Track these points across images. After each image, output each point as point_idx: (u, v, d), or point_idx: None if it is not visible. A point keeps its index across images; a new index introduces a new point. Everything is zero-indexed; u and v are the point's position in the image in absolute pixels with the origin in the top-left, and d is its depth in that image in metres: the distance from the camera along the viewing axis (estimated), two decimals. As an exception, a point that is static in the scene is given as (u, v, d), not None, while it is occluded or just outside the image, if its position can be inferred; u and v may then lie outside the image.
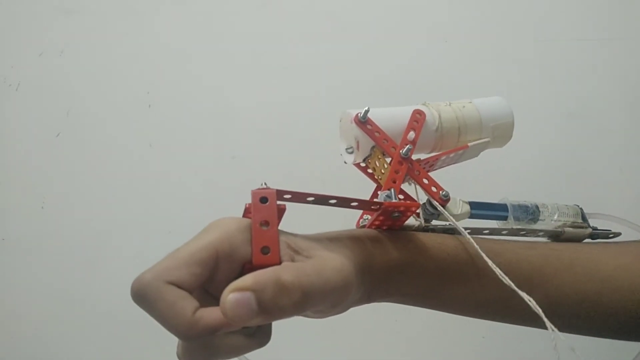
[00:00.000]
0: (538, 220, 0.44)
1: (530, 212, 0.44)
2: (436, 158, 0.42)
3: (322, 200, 0.34)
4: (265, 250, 0.30)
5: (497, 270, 0.34)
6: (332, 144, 0.85)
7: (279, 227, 0.33)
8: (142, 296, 0.27)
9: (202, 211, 0.76)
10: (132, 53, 0.92)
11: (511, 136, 0.45)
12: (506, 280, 0.34)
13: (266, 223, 0.31)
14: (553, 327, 0.31)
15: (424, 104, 0.43)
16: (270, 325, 0.31)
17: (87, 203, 0.86)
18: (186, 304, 0.27)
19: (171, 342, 0.29)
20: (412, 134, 0.40)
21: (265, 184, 0.34)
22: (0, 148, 0.88)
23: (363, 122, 0.40)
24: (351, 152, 0.43)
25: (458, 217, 0.40)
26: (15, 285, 0.83)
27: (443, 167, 0.44)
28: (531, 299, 0.32)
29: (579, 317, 0.40)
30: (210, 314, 0.27)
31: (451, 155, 0.43)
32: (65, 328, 0.82)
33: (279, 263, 0.30)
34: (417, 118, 0.41)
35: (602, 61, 0.91)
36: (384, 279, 0.35)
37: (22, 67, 0.92)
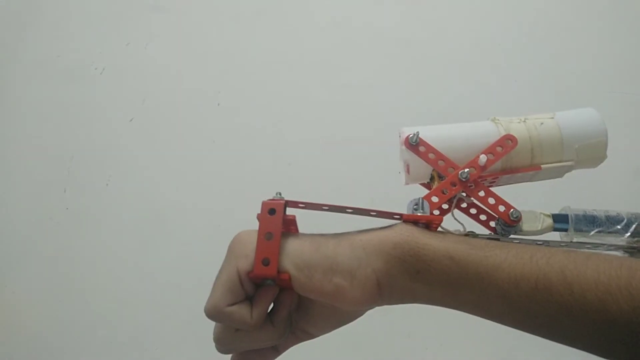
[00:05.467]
0: (622, 233, 0.37)
1: (599, 224, 0.37)
2: (496, 176, 0.38)
3: (338, 209, 0.35)
4: (265, 261, 0.32)
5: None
6: (387, 162, 0.86)
7: (300, 232, 0.35)
8: (216, 318, 0.34)
9: (252, 212, 0.77)
10: (210, 53, 0.97)
11: (604, 156, 0.39)
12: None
13: (270, 235, 0.32)
14: None
15: (492, 120, 0.39)
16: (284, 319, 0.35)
17: (148, 187, 0.91)
18: (244, 312, 0.33)
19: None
20: (483, 158, 0.36)
21: (280, 194, 0.35)
22: (80, 125, 0.95)
23: (414, 145, 0.36)
24: None
25: (540, 232, 0.37)
26: (76, 251, 0.88)
27: (510, 183, 0.40)
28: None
29: None
30: (260, 309, 0.34)
31: (517, 175, 0.38)
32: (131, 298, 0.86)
33: (276, 275, 0.32)
34: (505, 144, 0.36)
35: (602, 58, 0.91)
36: (407, 292, 0.34)
37: (109, 54, 0.98)
